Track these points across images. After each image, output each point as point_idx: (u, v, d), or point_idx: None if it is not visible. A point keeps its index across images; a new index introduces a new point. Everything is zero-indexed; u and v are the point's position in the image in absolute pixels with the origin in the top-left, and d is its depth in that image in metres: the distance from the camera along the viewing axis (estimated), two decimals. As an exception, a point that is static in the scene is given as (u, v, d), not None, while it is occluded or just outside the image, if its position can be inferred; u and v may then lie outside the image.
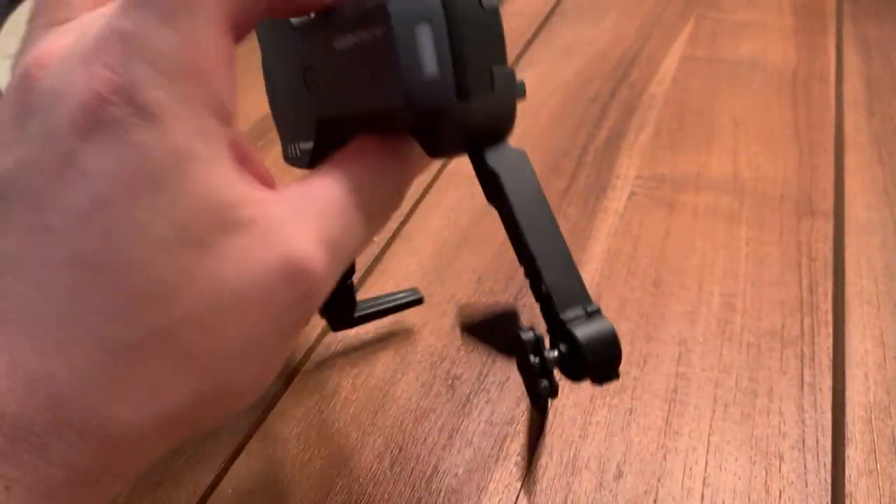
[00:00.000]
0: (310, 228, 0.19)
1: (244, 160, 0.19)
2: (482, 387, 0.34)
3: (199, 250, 0.18)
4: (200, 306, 0.18)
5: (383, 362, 0.35)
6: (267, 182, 0.20)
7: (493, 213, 0.41)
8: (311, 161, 0.25)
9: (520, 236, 0.21)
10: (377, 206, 0.22)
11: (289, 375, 0.35)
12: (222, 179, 0.18)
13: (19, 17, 0.80)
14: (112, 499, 0.29)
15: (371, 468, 0.31)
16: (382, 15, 0.19)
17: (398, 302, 0.36)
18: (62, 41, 0.19)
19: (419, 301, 0.37)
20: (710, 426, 0.33)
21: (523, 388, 0.34)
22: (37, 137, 0.18)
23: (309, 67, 0.24)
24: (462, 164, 0.41)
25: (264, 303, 0.19)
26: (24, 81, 0.19)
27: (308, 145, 0.25)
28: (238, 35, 0.20)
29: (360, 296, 0.38)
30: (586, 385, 0.34)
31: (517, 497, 0.30)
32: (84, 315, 0.17)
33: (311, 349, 0.36)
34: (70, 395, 0.17)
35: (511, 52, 0.62)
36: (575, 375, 0.21)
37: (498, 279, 0.40)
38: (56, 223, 0.17)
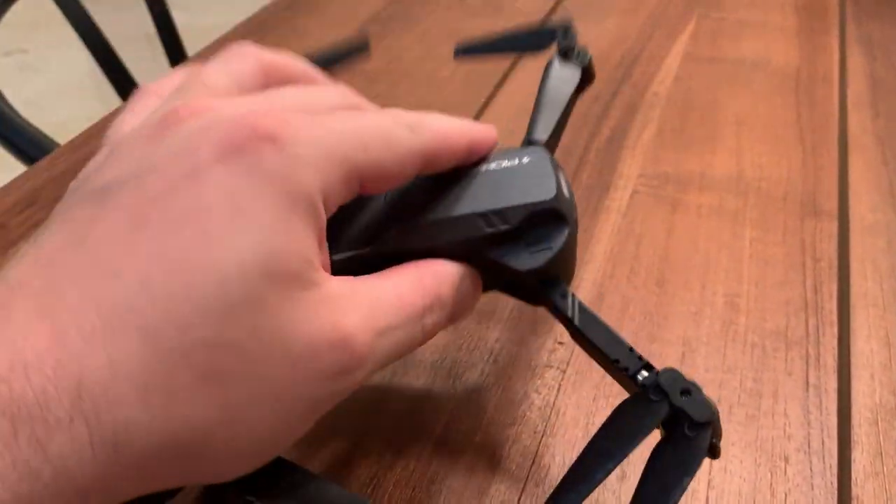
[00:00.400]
0: (361, 311, 0.21)
1: (321, 245, 0.21)
2: (484, 386, 0.34)
3: (271, 287, 0.19)
4: (250, 337, 0.18)
5: (383, 361, 0.35)
6: (327, 268, 0.22)
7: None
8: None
9: (619, 343, 0.26)
10: (419, 323, 0.23)
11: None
12: (309, 243, 0.20)
13: (15, 16, 0.79)
14: None
15: (370, 468, 0.30)
16: (544, 156, 0.28)
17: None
18: (214, 101, 0.22)
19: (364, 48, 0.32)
20: (715, 427, 0.32)
21: (526, 389, 0.34)
22: (170, 152, 0.20)
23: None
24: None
25: (306, 362, 0.19)
26: (171, 118, 0.21)
27: (350, 253, 0.26)
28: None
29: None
30: (588, 384, 0.34)
31: (519, 498, 0.29)
32: (142, 310, 0.17)
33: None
34: (96, 386, 0.17)
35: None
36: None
37: (499, 278, 0.39)
38: (154, 218, 0.18)
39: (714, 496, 0.30)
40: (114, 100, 0.82)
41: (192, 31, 0.96)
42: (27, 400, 0.16)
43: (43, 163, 0.48)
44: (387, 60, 0.60)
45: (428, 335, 0.24)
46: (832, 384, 0.34)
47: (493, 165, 0.27)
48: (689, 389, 0.24)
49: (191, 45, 0.85)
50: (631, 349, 0.26)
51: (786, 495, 0.30)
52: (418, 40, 0.63)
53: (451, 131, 0.25)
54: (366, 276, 0.23)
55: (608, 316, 0.37)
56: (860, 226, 0.44)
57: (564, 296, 0.27)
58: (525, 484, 0.30)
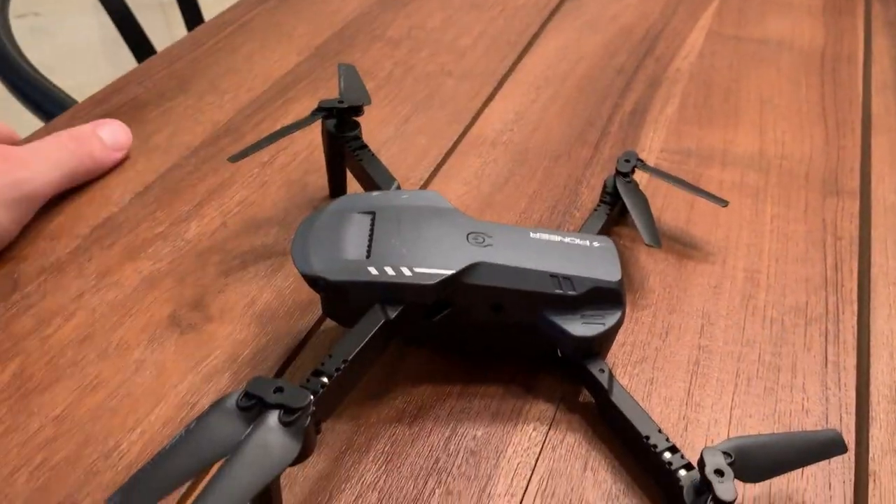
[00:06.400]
0: None
1: None
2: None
3: None
4: None
5: (402, 324, 0.35)
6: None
7: (504, 199, 0.40)
8: None
9: (649, 420, 0.29)
10: None
11: (307, 333, 0.34)
12: None
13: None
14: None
15: (390, 426, 0.30)
16: (611, 246, 0.32)
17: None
18: None
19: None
20: (733, 399, 0.32)
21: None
22: None
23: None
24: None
25: None
26: None
27: (434, 271, 0.29)
28: None
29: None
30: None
31: (536, 461, 0.30)
32: None
33: (330, 308, 0.35)
34: None
35: (535, 20, 0.61)
36: None
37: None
38: None
39: (731, 466, 0.30)
40: (128, 64, 0.82)
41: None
42: None
43: (63, 117, 0.47)
44: (408, 27, 0.59)
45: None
46: (851, 361, 0.34)
47: (566, 239, 0.31)
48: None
49: (208, 11, 0.84)
50: (660, 429, 0.28)
51: (803, 469, 0.30)
52: (440, 7, 0.62)
53: None
54: None
55: (626, 287, 0.37)
56: (882, 206, 0.43)
57: (603, 370, 0.30)
58: (542, 447, 0.30)
